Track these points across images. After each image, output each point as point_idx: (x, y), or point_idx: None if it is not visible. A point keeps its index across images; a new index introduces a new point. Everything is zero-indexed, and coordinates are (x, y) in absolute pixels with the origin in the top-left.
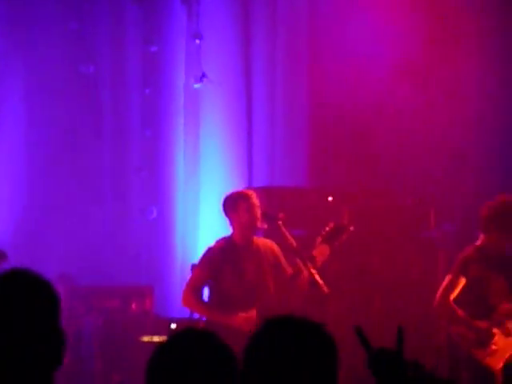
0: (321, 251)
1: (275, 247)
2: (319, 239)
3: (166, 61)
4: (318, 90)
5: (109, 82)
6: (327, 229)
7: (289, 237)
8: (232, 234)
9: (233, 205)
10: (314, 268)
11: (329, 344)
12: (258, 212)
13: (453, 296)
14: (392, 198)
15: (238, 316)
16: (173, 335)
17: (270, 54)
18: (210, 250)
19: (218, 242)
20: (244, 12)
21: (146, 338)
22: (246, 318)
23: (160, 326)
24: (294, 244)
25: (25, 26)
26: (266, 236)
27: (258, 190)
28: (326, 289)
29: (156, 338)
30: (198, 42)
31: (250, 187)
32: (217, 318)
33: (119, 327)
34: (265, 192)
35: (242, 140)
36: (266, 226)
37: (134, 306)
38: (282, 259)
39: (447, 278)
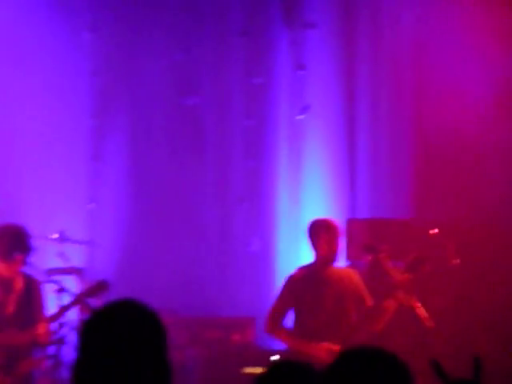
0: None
1: (356, 276)
2: (402, 268)
3: (270, 92)
4: (422, 126)
5: (212, 113)
6: (410, 259)
7: (391, 269)
8: (313, 262)
9: (314, 233)
10: (418, 301)
11: (404, 376)
12: (338, 245)
13: None
14: (499, 230)
15: (321, 346)
16: (270, 367)
17: (374, 87)
18: (290, 278)
19: (298, 269)
20: (348, 44)
21: (247, 370)
22: (329, 349)
23: (261, 358)
24: (397, 277)
25: (130, 57)
26: (371, 268)
27: (360, 221)
28: (429, 323)
29: (258, 370)
30: (301, 72)
31: (353, 218)
32: (299, 346)
33: (221, 358)
34: (368, 223)
35: (344, 171)
36: (369, 258)
37: (235, 337)
38: (362, 289)
39: None
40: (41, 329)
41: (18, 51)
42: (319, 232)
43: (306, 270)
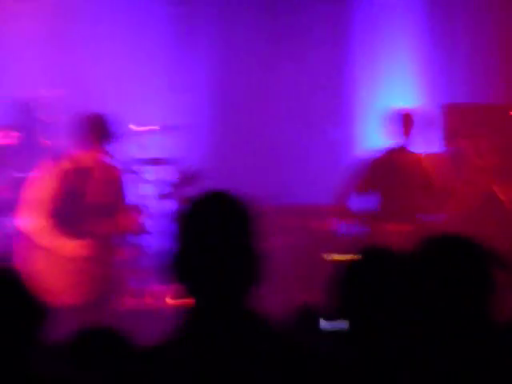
0: None
1: (426, 162)
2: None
3: None
4: None
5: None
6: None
7: (484, 156)
8: (387, 147)
9: (392, 121)
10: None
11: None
12: (413, 134)
13: None
14: None
15: (389, 227)
16: (363, 253)
17: None
18: (363, 161)
19: (371, 154)
20: None
21: (333, 257)
22: (397, 230)
23: (344, 245)
24: (489, 163)
25: None
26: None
27: (456, 106)
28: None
29: (343, 257)
30: None
31: (448, 104)
32: (365, 226)
33: (305, 246)
34: (464, 109)
35: (438, 55)
36: (462, 144)
37: (317, 224)
38: (432, 174)
39: None
40: (123, 218)
41: None
42: (397, 121)
43: (378, 155)
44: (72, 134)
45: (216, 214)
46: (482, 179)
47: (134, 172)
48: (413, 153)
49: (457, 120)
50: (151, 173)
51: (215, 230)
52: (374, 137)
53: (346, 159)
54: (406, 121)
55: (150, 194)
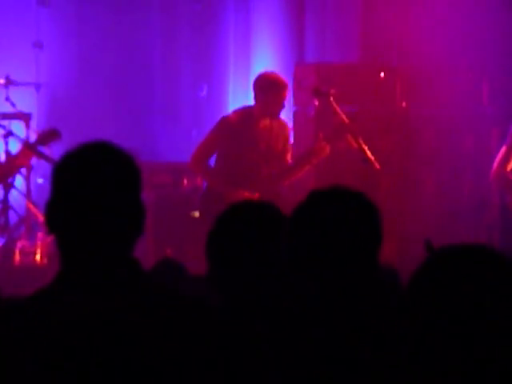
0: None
1: (288, 130)
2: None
3: None
4: None
5: None
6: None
7: (340, 112)
8: (252, 107)
9: (264, 88)
10: (365, 144)
11: (373, 211)
12: (283, 102)
13: (509, 167)
14: (444, 74)
15: (242, 193)
16: (230, 207)
17: None
18: (224, 119)
19: (235, 111)
20: None
21: (196, 214)
22: (249, 197)
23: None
24: (346, 120)
25: None
26: (318, 112)
27: (309, 66)
28: (376, 165)
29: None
30: None
31: (300, 63)
32: (221, 187)
33: (171, 203)
34: (316, 68)
35: (293, 15)
36: (316, 103)
37: (185, 181)
38: (289, 144)
39: (502, 150)
40: None
41: None
42: (271, 88)
43: (241, 114)
44: None
45: (86, 163)
46: (347, 136)
47: (0, 127)
48: (273, 117)
49: (309, 79)
50: (16, 127)
51: (86, 179)
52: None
53: (214, 118)
54: (277, 90)
55: (16, 150)
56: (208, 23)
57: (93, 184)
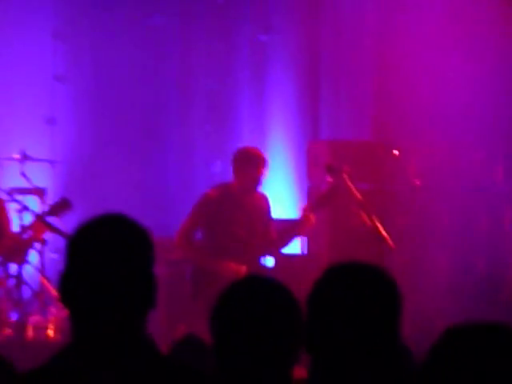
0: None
1: (268, 202)
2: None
3: (230, 12)
4: (385, 47)
5: (175, 33)
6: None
7: (353, 189)
8: (232, 183)
9: (242, 163)
10: (378, 221)
11: (393, 289)
12: (260, 177)
13: None
14: (459, 151)
15: (228, 265)
16: (235, 283)
17: (336, 7)
18: (205, 195)
19: (214, 188)
20: None
21: None
22: (236, 269)
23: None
24: (359, 197)
25: None
26: (332, 189)
27: (323, 142)
28: (390, 243)
29: None
30: None
31: (315, 141)
32: (206, 262)
33: (184, 279)
34: (330, 145)
35: (307, 93)
36: (330, 179)
37: (174, 256)
38: (271, 217)
39: None
40: (7, 242)
41: None
42: (249, 163)
43: (222, 190)
44: None
45: (100, 235)
46: (362, 213)
47: (14, 201)
48: (250, 193)
49: (323, 155)
50: (31, 201)
51: (98, 253)
52: None
53: None
54: (254, 165)
55: (29, 223)
56: (223, 101)
57: (105, 257)
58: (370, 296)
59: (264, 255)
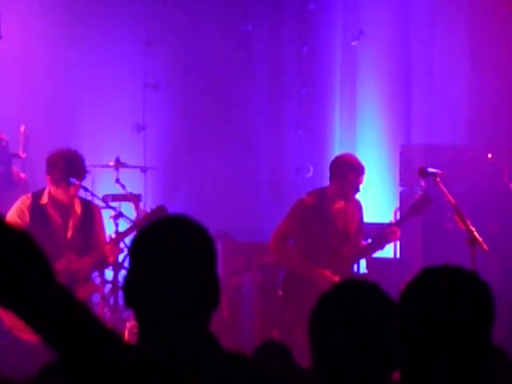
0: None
1: (362, 209)
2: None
3: (323, 18)
4: (479, 53)
5: (265, 39)
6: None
7: (447, 193)
8: (327, 188)
9: (341, 172)
10: (472, 225)
11: (486, 292)
12: (359, 185)
13: None
14: None
15: (323, 273)
16: (335, 287)
17: (429, 11)
18: (301, 201)
19: (310, 194)
20: None
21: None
22: (330, 279)
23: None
24: (453, 201)
25: None
26: (425, 192)
27: (416, 147)
28: (484, 246)
29: None
30: None
31: (408, 145)
32: (301, 268)
33: (276, 283)
34: (423, 149)
35: (400, 97)
36: (423, 183)
37: (264, 260)
38: (363, 222)
39: None
40: (103, 251)
41: None
42: (347, 172)
43: (316, 197)
44: (48, 170)
45: (162, 237)
46: (456, 217)
47: (109, 208)
48: (347, 200)
49: (415, 160)
50: (126, 208)
51: (161, 254)
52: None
53: None
54: (354, 173)
55: (125, 229)
56: (314, 104)
57: (168, 259)
58: (463, 299)
59: (354, 263)
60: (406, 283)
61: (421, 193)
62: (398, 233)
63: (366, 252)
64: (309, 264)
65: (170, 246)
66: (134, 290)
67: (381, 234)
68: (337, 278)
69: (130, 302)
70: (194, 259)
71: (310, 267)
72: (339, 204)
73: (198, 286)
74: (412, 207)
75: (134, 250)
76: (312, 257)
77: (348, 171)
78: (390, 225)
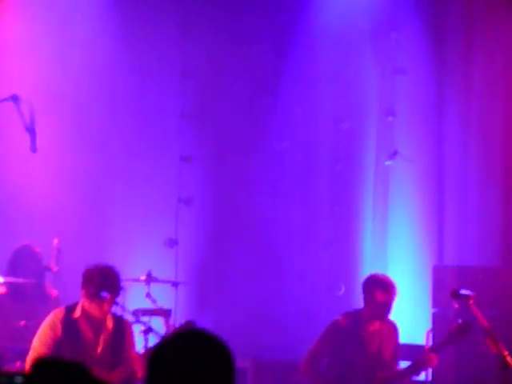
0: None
1: (397, 330)
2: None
3: (357, 137)
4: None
5: (300, 157)
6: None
7: (480, 316)
8: (361, 310)
9: (370, 289)
10: (505, 350)
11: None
12: (391, 305)
13: None
14: None
15: None
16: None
17: (462, 134)
18: (335, 322)
19: (344, 315)
20: (439, 89)
21: None
22: None
23: None
24: (486, 324)
25: (217, 100)
26: (458, 315)
27: (449, 268)
28: None
29: None
30: (390, 119)
31: (440, 265)
32: None
33: None
34: (456, 270)
35: (432, 217)
36: (456, 305)
37: (298, 379)
38: (399, 345)
39: None
40: (133, 366)
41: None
42: (376, 289)
43: (351, 319)
44: (83, 284)
45: (187, 353)
46: (489, 341)
47: (140, 322)
48: (382, 321)
49: (448, 281)
50: (156, 323)
51: (186, 370)
52: None
53: None
54: (386, 292)
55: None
56: (346, 222)
57: (184, 375)
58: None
59: None
60: None
61: (460, 320)
62: (436, 360)
63: (402, 377)
64: None
65: (187, 362)
66: None
67: (418, 359)
68: None
69: None
70: (210, 376)
71: None
72: (374, 326)
73: None
74: (450, 334)
75: (150, 364)
76: (346, 380)
77: (376, 289)
78: (426, 351)
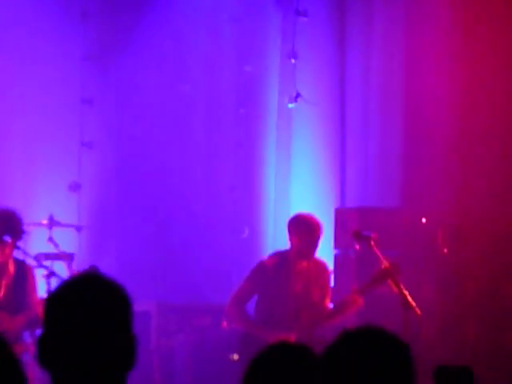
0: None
1: (327, 272)
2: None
3: (260, 80)
4: (413, 116)
5: (202, 100)
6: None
7: (381, 256)
8: (287, 251)
9: (296, 229)
10: (405, 289)
11: (406, 353)
12: (317, 244)
13: None
14: (486, 220)
15: (278, 335)
16: (266, 349)
17: (364, 75)
18: (261, 263)
19: (270, 256)
20: (340, 32)
21: (235, 357)
22: (284, 339)
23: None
24: (387, 264)
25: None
26: (359, 256)
27: (350, 210)
28: (418, 311)
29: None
30: (293, 61)
31: (342, 207)
32: (255, 332)
33: (210, 345)
34: (357, 212)
35: (334, 160)
36: (357, 246)
37: (224, 324)
38: (328, 286)
39: None
40: (35, 310)
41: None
42: (301, 229)
43: (277, 259)
44: None
45: (84, 296)
46: (389, 281)
47: (42, 267)
48: (313, 259)
49: (350, 223)
50: (58, 267)
51: (83, 313)
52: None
53: (256, 258)
54: (311, 232)
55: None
56: (249, 165)
57: (82, 318)
58: (383, 360)
59: (315, 325)
60: (328, 345)
61: (389, 260)
62: (361, 301)
63: (329, 317)
64: (262, 327)
65: (85, 305)
66: (46, 350)
67: (343, 300)
68: (292, 339)
69: (42, 362)
70: (110, 318)
71: (264, 330)
72: (301, 265)
73: (114, 346)
74: (376, 275)
75: (47, 309)
76: (272, 320)
77: (301, 228)
78: (352, 292)
